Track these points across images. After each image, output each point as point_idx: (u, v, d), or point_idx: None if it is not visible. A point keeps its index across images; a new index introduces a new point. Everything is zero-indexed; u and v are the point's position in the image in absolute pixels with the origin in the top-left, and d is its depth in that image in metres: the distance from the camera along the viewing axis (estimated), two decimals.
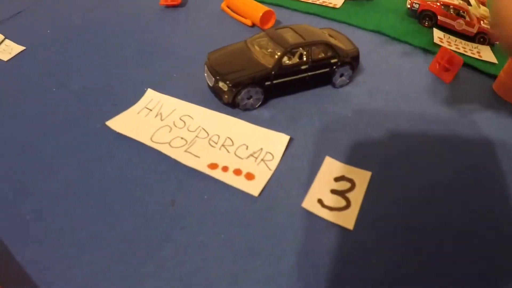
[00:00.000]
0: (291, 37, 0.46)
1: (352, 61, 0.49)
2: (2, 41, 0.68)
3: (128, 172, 0.38)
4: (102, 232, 0.33)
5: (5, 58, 0.62)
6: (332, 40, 0.48)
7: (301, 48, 0.44)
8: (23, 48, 0.64)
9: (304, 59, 0.45)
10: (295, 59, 0.44)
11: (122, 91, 0.49)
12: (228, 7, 0.70)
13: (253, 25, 0.66)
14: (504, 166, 0.40)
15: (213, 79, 0.43)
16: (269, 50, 0.45)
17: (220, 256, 0.30)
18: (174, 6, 0.73)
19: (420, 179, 0.37)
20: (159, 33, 0.64)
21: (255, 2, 0.67)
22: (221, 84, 0.42)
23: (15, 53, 0.63)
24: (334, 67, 0.47)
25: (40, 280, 0.30)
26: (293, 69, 0.44)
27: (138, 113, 0.43)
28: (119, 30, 0.65)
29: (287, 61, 0.44)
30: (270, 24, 0.65)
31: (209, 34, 0.64)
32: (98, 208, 0.35)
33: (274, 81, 0.44)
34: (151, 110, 0.44)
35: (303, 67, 0.45)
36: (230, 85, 0.42)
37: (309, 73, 0.46)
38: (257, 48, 0.46)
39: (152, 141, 0.39)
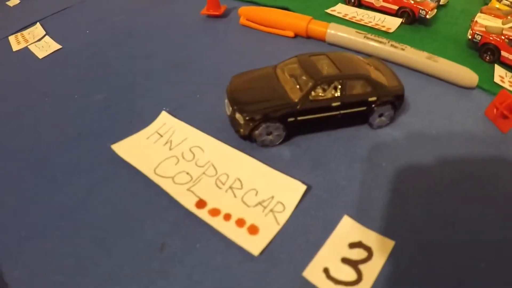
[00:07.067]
0: (325, 67, 0.40)
1: (395, 100, 0.43)
2: (43, 37, 0.70)
3: (125, 202, 0.35)
4: (89, 264, 0.31)
5: (41, 55, 0.64)
6: (374, 74, 0.42)
7: (335, 82, 0.39)
8: (60, 47, 0.65)
9: (338, 94, 0.40)
10: (328, 94, 0.39)
11: (141, 108, 0.47)
12: (250, 21, 0.66)
13: (296, 36, 0.62)
14: None
15: (231, 108, 0.39)
16: (298, 80, 0.40)
17: None
18: (215, 17, 0.70)
19: (457, 260, 0.31)
20: (195, 44, 0.62)
21: (287, 11, 0.64)
22: (237, 115, 0.38)
23: (51, 51, 0.64)
24: (373, 105, 0.41)
25: None
26: (323, 106, 0.39)
27: (147, 138, 0.41)
28: (157, 38, 0.65)
29: (319, 95, 0.39)
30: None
31: (246, 50, 0.60)
32: (90, 237, 0.33)
33: (299, 118, 0.39)
34: (161, 136, 0.41)
35: (334, 104, 0.39)
36: (247, 118, 0.37)
37: (342, 111, 0.40)
38: (286, 76, 0.41)
39: (155, 174, 0.36)
